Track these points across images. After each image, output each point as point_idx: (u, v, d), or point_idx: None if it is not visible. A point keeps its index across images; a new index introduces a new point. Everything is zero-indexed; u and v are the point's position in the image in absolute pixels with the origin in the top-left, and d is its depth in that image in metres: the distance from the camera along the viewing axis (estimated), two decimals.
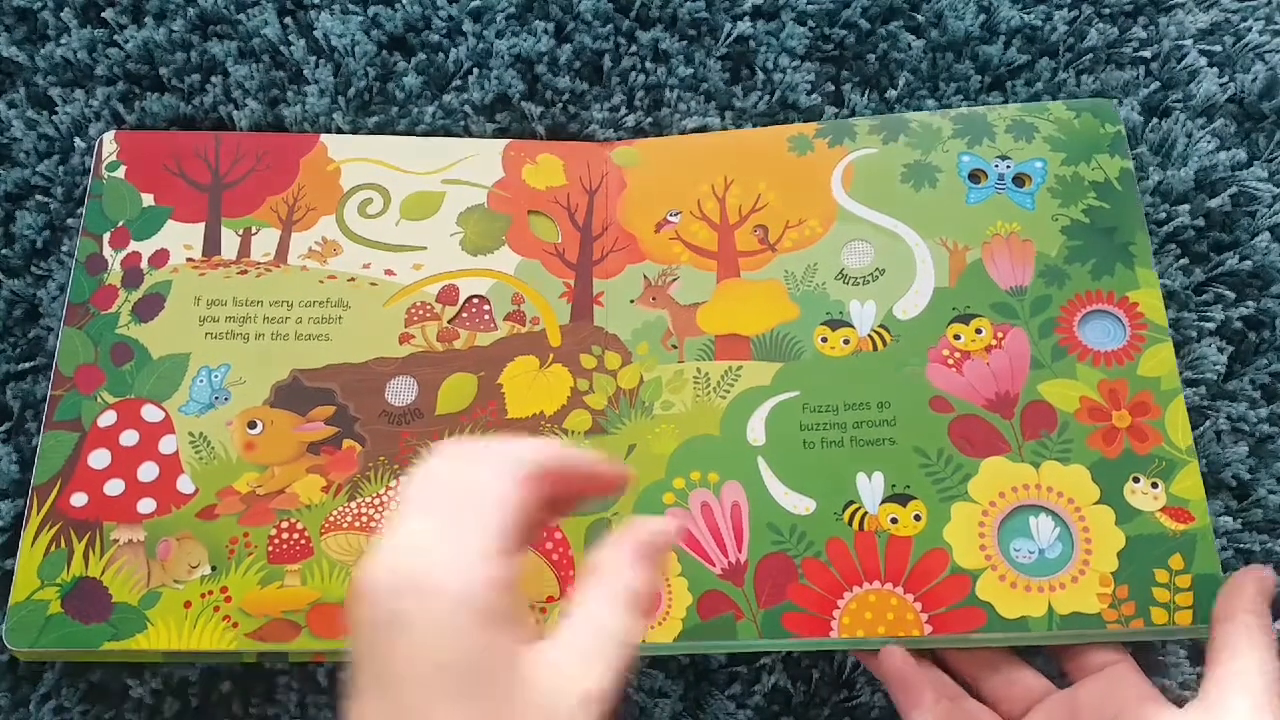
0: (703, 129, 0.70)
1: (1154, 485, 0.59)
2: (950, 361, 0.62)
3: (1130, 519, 0.58)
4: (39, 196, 0.68)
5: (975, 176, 0.66)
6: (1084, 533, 0.58)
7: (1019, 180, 0.66)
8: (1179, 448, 0.60)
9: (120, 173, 0.67)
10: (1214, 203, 0.66)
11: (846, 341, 0.63)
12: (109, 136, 0.68)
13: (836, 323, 0.64)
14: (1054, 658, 0.59)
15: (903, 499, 0.60)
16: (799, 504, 0.60)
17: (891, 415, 0.62)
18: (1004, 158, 0.66)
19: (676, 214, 0.67)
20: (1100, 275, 0.63)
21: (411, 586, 0.37)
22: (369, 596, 0.37)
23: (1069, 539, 0.58)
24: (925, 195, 0.66)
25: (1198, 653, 0.59)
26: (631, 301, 0.65)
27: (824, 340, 0.64)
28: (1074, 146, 0.66)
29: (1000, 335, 0.63)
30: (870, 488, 0.61)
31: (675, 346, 0.64)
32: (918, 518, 0.60)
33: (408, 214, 0.67)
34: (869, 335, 0.63)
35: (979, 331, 0.63)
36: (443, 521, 0.39)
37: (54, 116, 0.70)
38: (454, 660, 0.36)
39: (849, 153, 0.67)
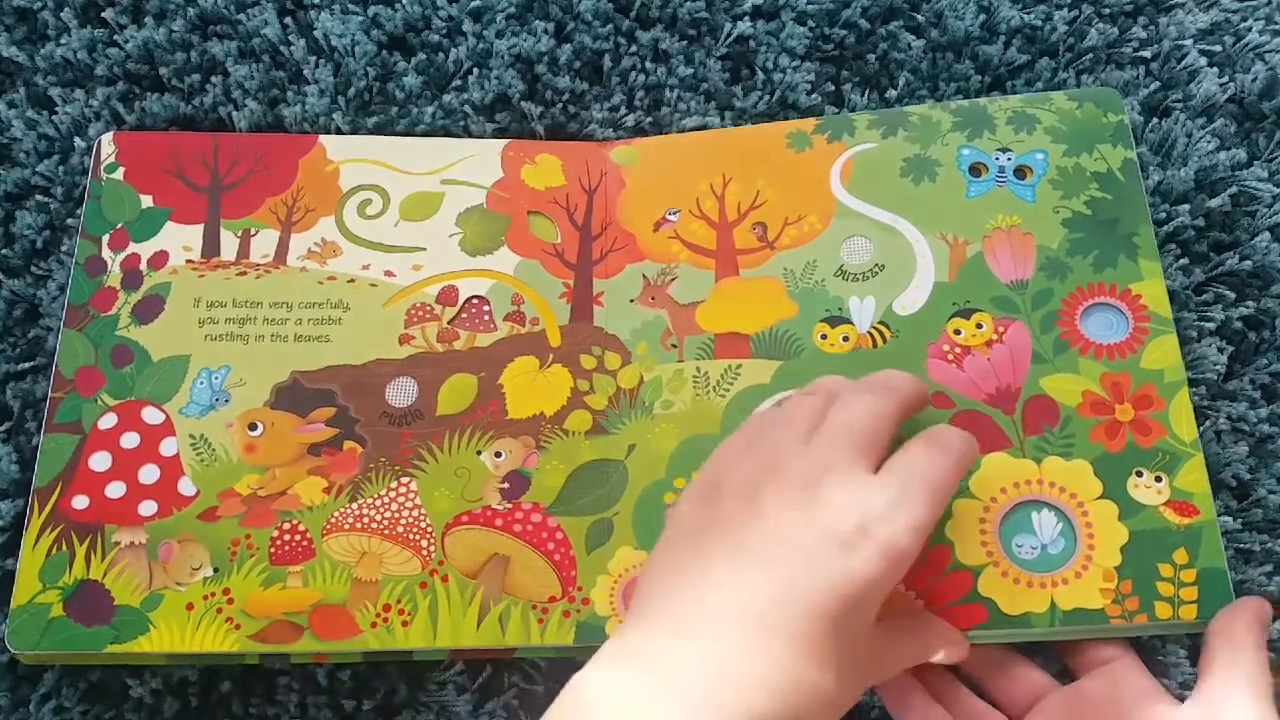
0: (702, 129, 0.70)
1: (1158, 479, 0.59)
2: (950, 357, 0.62)
3: (1134, 514, 0.58)
4: (39, 196, 0.68)
5: (975, 170, 0.66)
6: (1087, 528, 0.58)
7: (1020, 172, 0.66)
8: (1183, 441, 0.59)
9: (119, 174, 0.67)
10: (1214, 203, 0.66)
11: (846, 339, 0.63)
12: (107, 138, 0.67)
13: (836, 319, 0.64)
14: (1057, 654, 0.59)
15: None
16: None
17: None
18: (1004, 150, 0.66)
19: (675, 213, 0.67)
20: (1103, 267, 0.63)
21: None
22: None
23: (1071, 534, 0.58)
24: (925, 189, 0.66)
25: (1198, 653, 0.59)
26: (631, 301, 0.65)
27: (823, 338, 0.63)
28: (1075, 137, 0.66)
29: (1001, 330, 0.62)
30: None
31: (675, 346, 0.64)
32: None
33: (407, 215, 0.67)
34: (868, 332, 0.63)
35: (980, 326, 0.63)
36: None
37: (54, 116, 0.69)
38: None
39: (848, 148, 0.67)
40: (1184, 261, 0.66)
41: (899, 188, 0.66)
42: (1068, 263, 0.63)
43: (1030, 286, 0.63)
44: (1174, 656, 0.59)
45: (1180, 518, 0.58)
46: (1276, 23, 0.71)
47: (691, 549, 0.50)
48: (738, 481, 0.51)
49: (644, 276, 0.66)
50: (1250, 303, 0.65)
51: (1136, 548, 0.57)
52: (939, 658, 0.55)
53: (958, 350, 0.62)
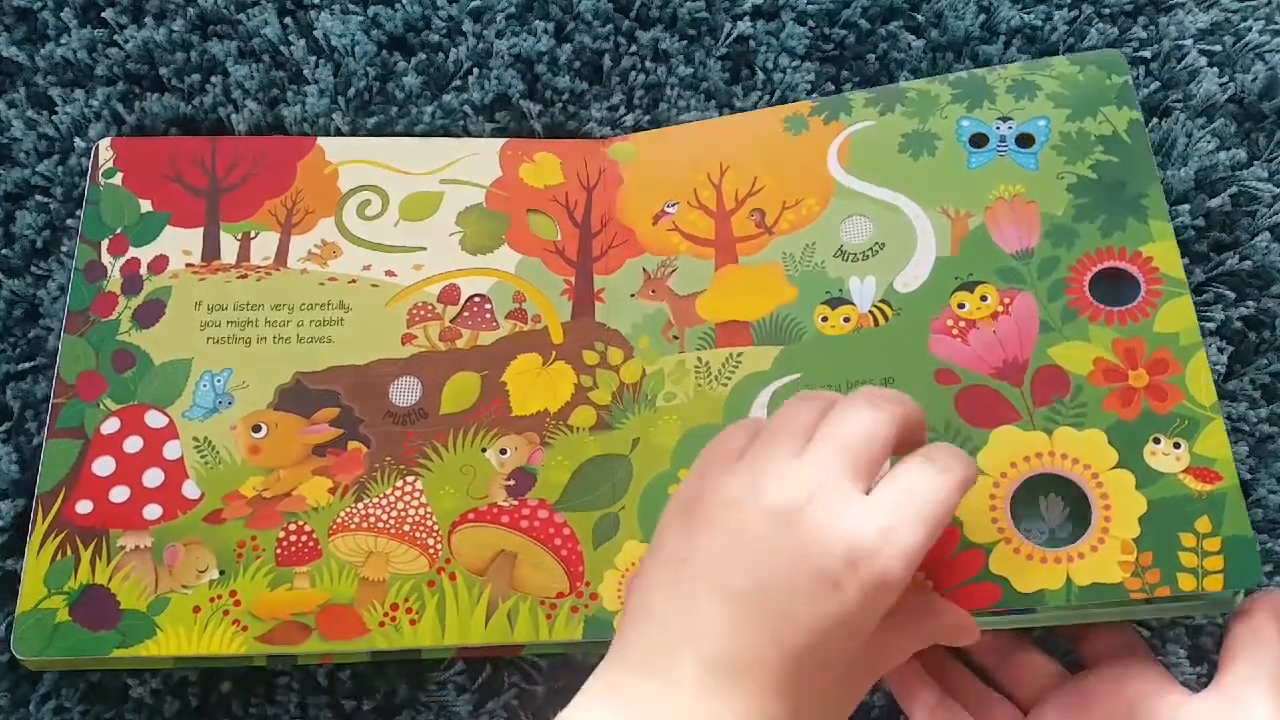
0: None
1: (1176, 445, 0.56)
2: (955, 331, 0.60)
3: (1152, 482, 0.56)
4: (39, 197, 0.68)
5: (976, 141, 0.64)
6: (1102, 499, 0.56)
7: (1022, 141, 0.64)
8: (1202, 405, 0.57)
9: (117, 179, 0.67)
10: (1214, 203, 0.66)
11: (847, 319, 0.62)
12: (105, 143, 0.67)
13: (836, 301, 0.62)
14: (1067, 643, 0.59)
15: None
16: None
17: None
18: (1005, 119, 0.64)
19: (674, 205, 0.67)
20: (1111, 231, 0.61)
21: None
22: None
23: (1081, 516, 0.56)
24: (924, 164, 0.64)
25: (1198, 652, 0.60)
26: (632, 296, 0.65)
27: (824, 320, 0.62)
28: (1079, 101, 0.64)
29: (1007, 301, 0.60)
30: None
31: (676, 338, 0.64)
32: None
33: (406, 215, 0.67)
34: (870, 311, 0.62)
35: (984, 299, 0.61)
36: None
37: (54, 116, 0.69)
38: None
39: (845, 128, 0.66)
40: (1184, 261, 0.65)
41: (898, 164, 0.65)
42: (1074, 229, 0.61)
43: (1036, 255, 0.61)
44: (1174, 656, 0.59)
45: (1202, 484, 0.55)
46: (1276, 23, 0.71)
47: (676, 574, 0.49)
48: (723, 495, 0.49)
49: (644, 270, 0.66)
50: (1250, 303, 0.65)
51: (1156, 518, 0.55)
52: (945, 641, 0.55)
53: (962, 324, 0.60)
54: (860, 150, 0.66)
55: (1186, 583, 0.54)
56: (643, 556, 0.53)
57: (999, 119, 0.65)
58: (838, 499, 0.47)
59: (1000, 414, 0.58)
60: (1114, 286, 0.60)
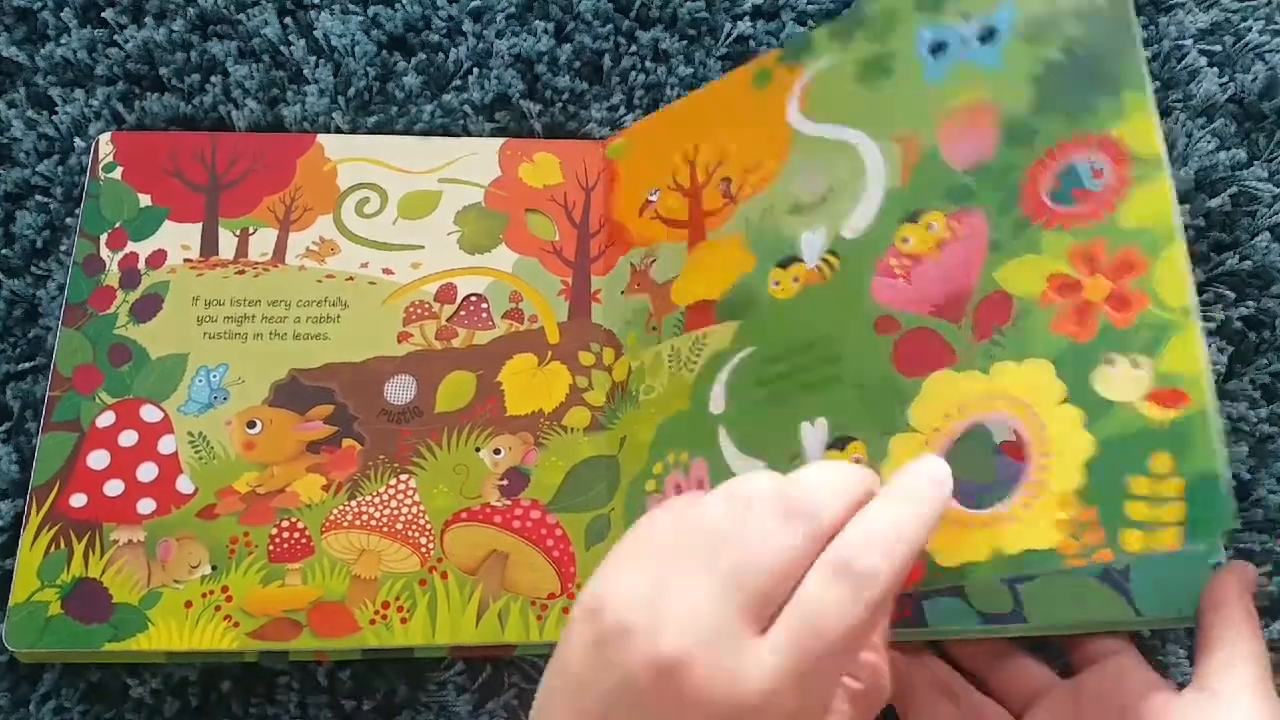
0: None
1: (1135, 365, 0.44)
2: (899, 271, 0.52)
3: (1102, 415, 0.44)
4: (39, 196, 0.68)
5: (936, 49, 0.55)
6: (1040, 444, 0.46)
7: (985, 37, 0.53)
8: (1170, 307, 0.44)
9: (117, 174, 0.67)
10: (1214, 203, 0.66)
11: (796, 279, 0.57)
12: (105, 138, 0.68)
13: (788, 261, 0.57)
14: (1059, 648, 0.58)
15: (842, 443, 0.52)
16: (749, 468, 0.54)
17: (835, 351, 0.53)
18: (967, 16, 0.54)
19: (656, 192, 0.66)
20: (1078, 118, 0.49)
21: None
22: None
23: (1017, 471, 0.46)
24: (882, 91, 0.56)
25: None
26: (621, 293, 0.65)
27: (776, 284, 0.57)
28: None
29: (955, 225, 0.51)
30: (814, 436, 0.53)
31: (655, 329, 0.63)
32: (857, 461, 0.51)
33: (405, 213, 0.67)
34: (816, 266, 0.56)
35: (930, 227, 0.52)
36: None
37: (54, 116, 0.69)
38: None
39: (806, 69, 0.60)
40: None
41: (855, 97, 0.57)
42: (1034, 126, 0.50)
43: (991, 166, 0.51)
44: (1173, 656, 0.59)
45: (1163, 410, 0.43)
46: (1276, 23, 0.71)
47: (576, 702, 0.44)
48: (622, 619, 0.43)
49: (631, 265, 0.65)
50: (1250, 303, 0.65)
51: (1104, 461, 0.44)
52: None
53: (906, 262, 0.52)
54: (819, 91, 0.59)
55: (1131, 541, 0.43)
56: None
57: (960, 18, 0.54)
58: (727, 645, 0.42)
59: (936, 358, 0.50)
60: (1074, 182, 0.49)
